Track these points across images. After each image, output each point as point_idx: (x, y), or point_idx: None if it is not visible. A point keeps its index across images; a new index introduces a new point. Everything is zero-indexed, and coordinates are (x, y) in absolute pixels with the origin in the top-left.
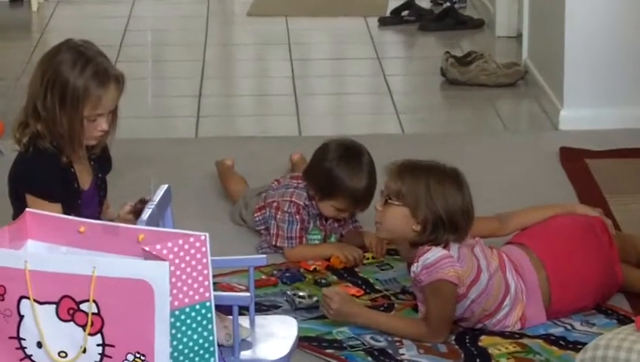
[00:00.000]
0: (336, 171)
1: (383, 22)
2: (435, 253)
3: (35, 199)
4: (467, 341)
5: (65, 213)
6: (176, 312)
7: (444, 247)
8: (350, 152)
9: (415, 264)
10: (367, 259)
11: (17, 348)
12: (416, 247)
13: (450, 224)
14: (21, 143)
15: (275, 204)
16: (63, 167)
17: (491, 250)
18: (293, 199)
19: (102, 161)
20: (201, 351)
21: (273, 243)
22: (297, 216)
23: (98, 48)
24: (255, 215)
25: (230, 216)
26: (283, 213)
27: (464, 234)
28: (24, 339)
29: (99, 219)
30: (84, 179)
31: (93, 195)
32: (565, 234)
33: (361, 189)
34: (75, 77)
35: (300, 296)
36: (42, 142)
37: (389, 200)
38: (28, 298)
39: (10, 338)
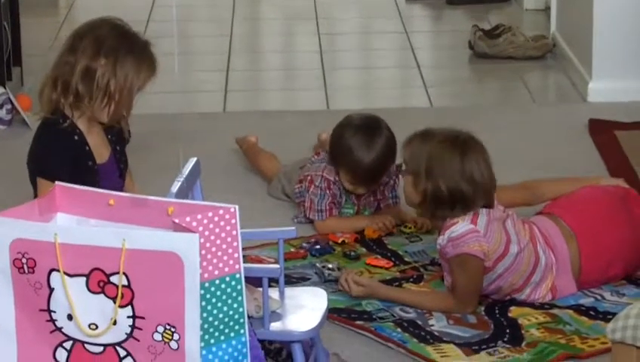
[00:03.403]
0: (344, 139)
1: None
2: (461, 227)
3: (42, 181)
4: (497, 312)
5: None
6: (206, 284)
7: (472, 221)
8: (366, 125)
9: (441, 236)
10: (410, 228)
11: (48, 321)
12: (438, 219)
13: (453, 196)
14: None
15: (309, 178)
16: (74, 144)
17: (523, 224)
18: (324, 174)
19: (119, 133)
20: (231, 323)
21: (306, 215)
22: (328, 191)
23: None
24: (295, 186)
25: (270, 192)
26: (315, 187)
27: (479, 202)
28: (54, 312)
29: (121, 191)
30: (102, 152)
31: (112, 168)
32: (597, 205)
33: (364, 164)
34: (140, 50)
35: (329, 268)
36: (59, 114)
37: (402, 168)
38: (58, 270)
39: (41, 310)
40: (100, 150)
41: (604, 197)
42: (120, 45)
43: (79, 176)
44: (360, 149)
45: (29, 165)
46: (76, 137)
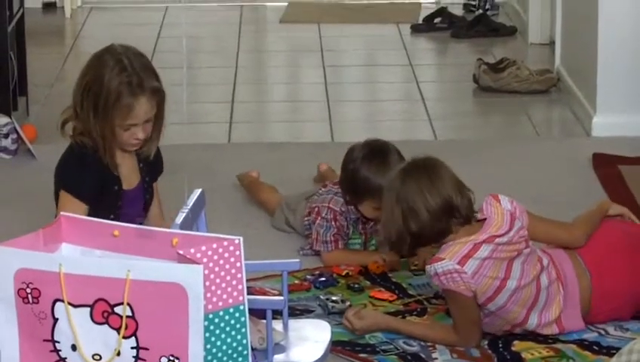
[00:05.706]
0: (361, 172)
1: (416, 29)
2: (444, 266)
3: (64, 193)
4: (500, 345)
5: (102, 212)
6: (210, 316)
7: (461, 262)
8: (373, 151)
9: (428, 266)
10: (415, 265)
11: (52, 351)
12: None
13: (419, 237)
14: (71, 136)
15: (316, 209)
16: (102, 167)
17: (537, 261)
18: (330, 205)
19: (151, 165)
20: (235, 355)
21: (312, 247)
22: (334, 223)
23: (140, 57)
24: (305, 219)
25: (274, 224)
26: (322, 218)
27: (455, 223)
28: (58, 342)
29: (142, 222)
30: (131, 179)
31: (137, 196)
32: (616, 246)
33: None
34: (108, 85)
35: (332, 301)
36: (84, 138)
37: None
38: (62, 301)
39: (45, 340)
40: (130, 177)
41: (624, 238)
42: (103, 79)
43: (102, 196)
44: (379, 173)
45: (54, 179)
46: (105, 161)
